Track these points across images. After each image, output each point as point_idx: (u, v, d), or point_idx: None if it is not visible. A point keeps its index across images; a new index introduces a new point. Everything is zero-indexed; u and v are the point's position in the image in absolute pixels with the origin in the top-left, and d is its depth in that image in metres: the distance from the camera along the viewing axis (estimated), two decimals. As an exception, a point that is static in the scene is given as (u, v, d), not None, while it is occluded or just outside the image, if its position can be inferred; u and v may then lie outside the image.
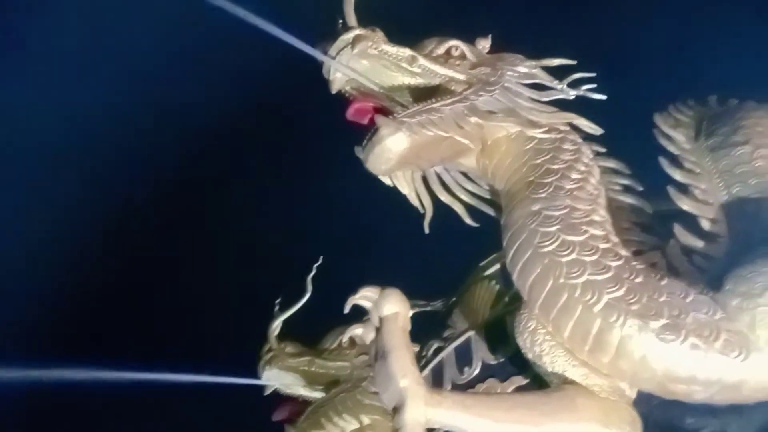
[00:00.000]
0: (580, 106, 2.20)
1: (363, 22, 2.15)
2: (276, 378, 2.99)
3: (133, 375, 2.16)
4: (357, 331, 2.96)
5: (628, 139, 2.27)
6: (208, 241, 4.66)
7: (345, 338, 3.03)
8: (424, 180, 2.32)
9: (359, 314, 2.38)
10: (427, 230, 2.30)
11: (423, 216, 2.31)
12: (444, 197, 2.32)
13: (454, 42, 2.24)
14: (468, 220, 2.32)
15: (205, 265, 4.56)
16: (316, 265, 3.06)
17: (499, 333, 2.28)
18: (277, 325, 3.05)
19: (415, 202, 2.32)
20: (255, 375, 2.98)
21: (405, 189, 2.31)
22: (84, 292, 4.59)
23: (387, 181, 2.29)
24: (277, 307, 3.09)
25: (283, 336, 3.06)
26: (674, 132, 2.18)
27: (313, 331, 3.12)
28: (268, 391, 3.04)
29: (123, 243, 4.69)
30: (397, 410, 1.81)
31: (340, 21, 2.15)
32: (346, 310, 2.16)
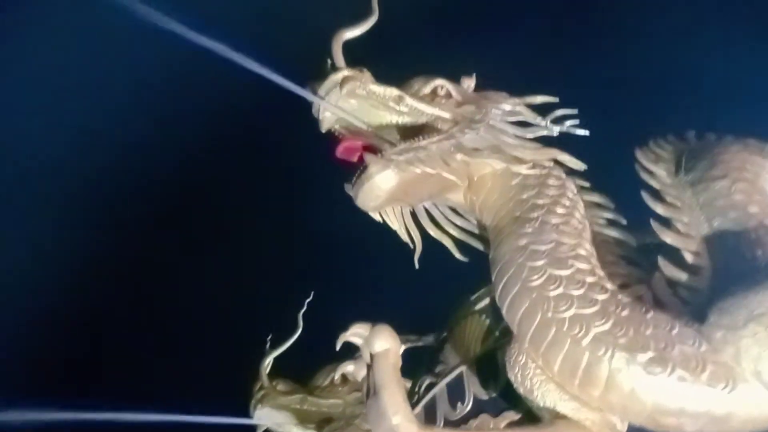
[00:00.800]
0: (563, 142, 2.26)
1: (351, 62, 2.21)
2: (268, 417, 2.96)
3: (122, 415, 2.14)
4: (349, 368, 2.95)
5: (611, 174, 2.32)
6: (196, 277, 4.64)
7: (337, 375, 3.01)
8: (413, 215, 2.36)
9: (351, 351, 2.39)
10: (417, 265, 2.33)
11: (413, 251, 2.34)
12: (433, 232, 2.36)
13: (439, 81, 2.30)
14: (457, 255, 2.35)
15: (194, 303, 4.54)
16: (306, 301, 3.07)
17: (491, 368, 2.28)
18: (268, 363, 3.03)
19: (405, 238, 2.36)
20: (247, 414, 2.95)
21: (394, 225, 2.35)
22: (68, 330, 4.55)
23: (377, 217, 2.32)
24: (268, 345, 3.08)
25: (274, 373, 3.04)
26: (655, 167, 2.22)
27: (305, 368, 3.10)
28: (260, 431, 3.00)
29: (107, 277, 4.67)
30: (389, 447, 1.81)
31: (329, 62, 2.21)
32: (338, 347, 2.17)
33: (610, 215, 2.20)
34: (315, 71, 2.21)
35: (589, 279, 1.94)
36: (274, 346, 3.07)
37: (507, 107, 2.29)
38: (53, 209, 4.64)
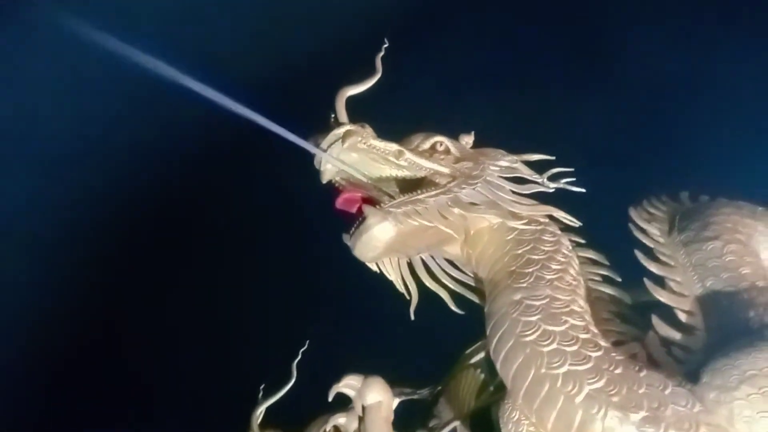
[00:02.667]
0: (558, 198, 2.30)
1: (353, 117, 2.28)
2: (257, 467, 2.90)
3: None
4: (340, 419, 2.91)
5: (606, 231, 2.35)
6: (192, 325, 4.62)
7: (329, 427, 2.96)
8: (410, 267, 2.38)
9: (344, 402, 2.37)
10: (412, 317, 2.34)
11: (409, 302, 2.35)
12: (430, 284, 2.37)
13: (439, 137, 2.37)
14: (453, 307, 2.36)
15: (186, 351, 4.51)
16: (301, 351, 3.05)
17: (485, 423, 2.26)
18: (260, 412, 2.99)
19: (401, 289, 2.37)
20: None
21: (391, 275, 2.37)
22: (63, 368, 4.50)
23: (374, 267, 2.35)
24: (260, 394, 3.05)
25: (266, 423, 3.00)
26: (649, 226, 2.26)
27: (297, 418, 3.06)
28: (248, 481, 2.94)
29: (105, 311, 4.66)
30: (378, 503, 1.78)
31: (332, 116, 2.28)
32: (330, 398, 2.15)
33: (604, 272, 2.22)
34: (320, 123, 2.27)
35: (583, 335, 1.95)
36: (266, 396, 3.03)
37: (504, 164, 2.35)
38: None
